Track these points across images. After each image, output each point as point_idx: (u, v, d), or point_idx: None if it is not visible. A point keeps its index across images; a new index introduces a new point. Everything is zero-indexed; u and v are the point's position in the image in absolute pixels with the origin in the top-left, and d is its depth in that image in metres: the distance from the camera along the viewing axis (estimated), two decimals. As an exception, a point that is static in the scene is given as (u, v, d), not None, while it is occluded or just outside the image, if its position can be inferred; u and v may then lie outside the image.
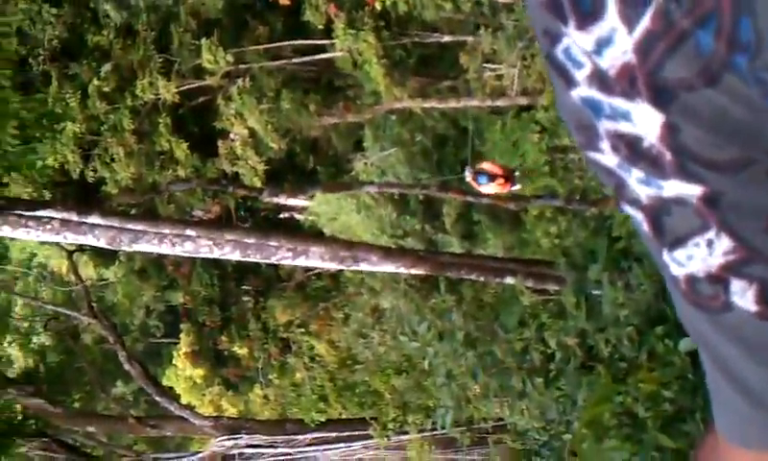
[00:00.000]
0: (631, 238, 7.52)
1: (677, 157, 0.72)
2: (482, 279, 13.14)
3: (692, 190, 0.73)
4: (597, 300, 7.43)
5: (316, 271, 19.51)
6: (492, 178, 13.92)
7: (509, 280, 11.99)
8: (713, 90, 0.68)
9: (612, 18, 0.69)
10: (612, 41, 0.70)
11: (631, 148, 0.74)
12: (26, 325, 21.38)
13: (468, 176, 14.11)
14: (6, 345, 20.62)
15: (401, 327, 12.65)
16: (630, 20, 0.68)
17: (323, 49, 16.91)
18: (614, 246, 7.56)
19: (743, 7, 0.65)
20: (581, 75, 0.73)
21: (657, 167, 0.74)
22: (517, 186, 14.57)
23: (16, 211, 11.65)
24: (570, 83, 0.74)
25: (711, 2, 0.66)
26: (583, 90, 0.73)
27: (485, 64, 15.66)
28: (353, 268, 14.33)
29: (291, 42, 17.00)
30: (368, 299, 19.10)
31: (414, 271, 13.05)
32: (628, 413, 6.38)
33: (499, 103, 16.03)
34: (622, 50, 0.70)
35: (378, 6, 15.14)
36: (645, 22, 0.68)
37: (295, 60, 17.15)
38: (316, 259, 12.91)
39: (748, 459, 0.82)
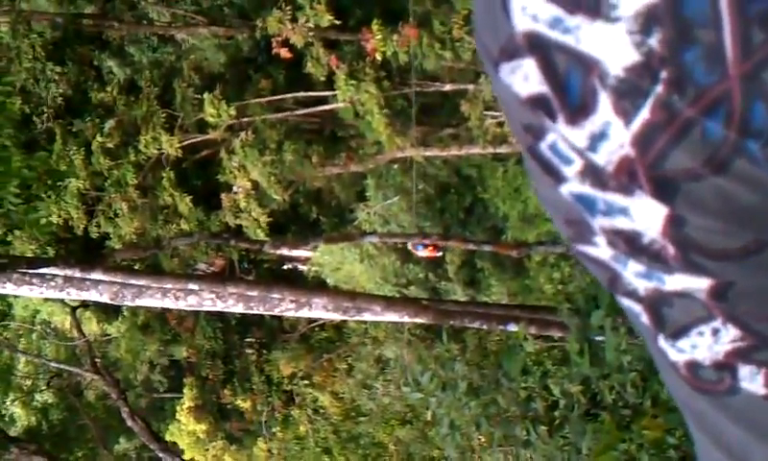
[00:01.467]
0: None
1: (681, 251, 0.69)
2: (485, 327, 13.10)
3: (698, 284, 0.70)
4: (600, 346, 7.40)
5: (319, 322, 19.47)
6: (425, 246, 16.39)
7: (512, 328, 11.96)
8: (722, 178, 0.65)
9: (605, 112, 0.65)
10: (608, 136, 0.66)
11: (630, 244, 0.71)
12: (29, 382, 21.32)
13: (410, 244, 16.74)
14: (8, 403, 20.55)
15: (405, 378, 12.62)
16: (626, 113, 0.65)
17: (324, 100, 16.99)
18: (617, 292, 7.53)
19: (755, 92, 0.62)
20: (570, 171, 0.70)
21: (659, 262, 0.71)
22: (440, 253, 17.15)
23: (19, 269, 11.68)
24: (558, 179, 0.70)
25: (718, 91, 0.62)
26: (574, 186, 0.70)
27: (486, 112, 15.72)
28: (357, 318, 14.31)
29: (293, 94, 17.09)
30: (371, 349, 19.06)
31: (417, 320, 13.04)
32: (632, 460, 6.33)
33: (501, 150, 16.07)
34: (619, 144, 0.66)
35: (379, 57, 15.23)
36: (644, 114, 0.64)
37: (297, 112, 17.25)
38: (319, 310, 12.92)
39: None
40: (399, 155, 16.64)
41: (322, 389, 20.93)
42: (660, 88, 0.63)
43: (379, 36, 15.05)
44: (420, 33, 14.99)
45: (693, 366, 0.74)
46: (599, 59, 0.64)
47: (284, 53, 15.99)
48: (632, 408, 6.79)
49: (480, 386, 8.81)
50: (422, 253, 16.68)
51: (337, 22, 15.51)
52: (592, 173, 0.69)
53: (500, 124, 15.83)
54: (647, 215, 0.69)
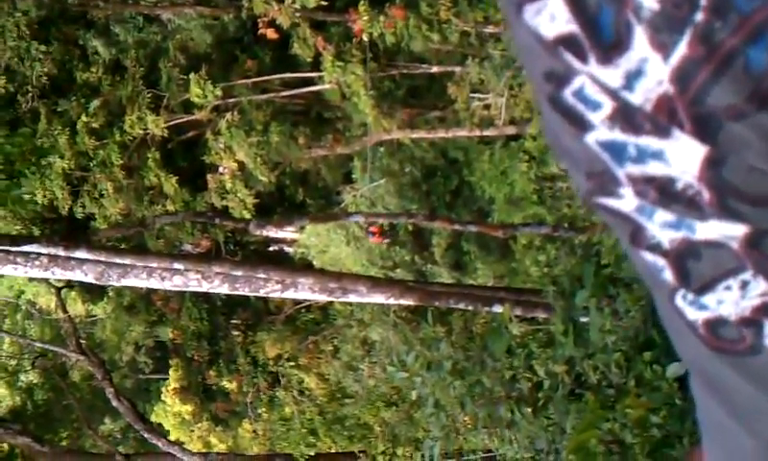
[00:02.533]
0: (618, 264, 7.52)
1: (718, 196, 0.67)
2: (471, 308, 13.08)
3: (734, 230, 0.68)
4: (585, 327, 7.42)
5: (305, 304, 19.47)
6: (373, 233, 17.54)
7: (497, 309, 11.96)
8: (766, 114, 0.62)
9: (641, 48, 0.62)
10: (645, 73, 0.63)
11: (662, 190, 0.69)
12: (13, 363, 21.25)
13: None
14: (-7, 384, 20.52)
15: (390, 359, 12.64)
16: (664, 47, 0.62)
17: (311, 82, 16.98)
18: (601, 272, 7.56)
19: None
20: (598, 116, 0.67)
21: (692, 208, 0.68)
22: (387, 240, 18.10)
23: (2, 247, 11.62)
24: (584, 126, 0.67)
25: (762, 17, 0.59)
26: (601, 133, 0.67)
27: (473, 94, 15.72)
28: (342, 299, 14.31)
29: (279, 76, 17.07)
30: (357, 331, 19.08)
31: (403, 301, 13.03)
32: (616, 439, 6.36)
33: (488, 133, 16.08)
34: (657, 80, 0.63)
35: (366, 38, 15.21)
36: (683, 47, 0.61)
37: (283, 93, 17.22)
38: (305, 291, 12.91)
39: None
40: (386, 137, 16.65)
41: (307, 371, 20.95)
42: (699, 17, 0.60)
43: (366, 18, 15.02)
44: (408, 14, 14.96)
45: (714, 324, 0.72)
46: None
47: (271, 33, 15.94)
48: (616, 388, 6.82)
49: (465, 367, 8.83)
50: (372, 239, 17.47)
51: (324, 3, 15.47)
52: (625, 116, 0.66)
53: (486, 107, 15.85)
54: (684, 157, 0.66)
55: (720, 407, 0.77)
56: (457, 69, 15.92)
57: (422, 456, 10.94)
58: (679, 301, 0.73)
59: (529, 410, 7.69)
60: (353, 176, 18.21)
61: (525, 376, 7.88)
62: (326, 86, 16.21)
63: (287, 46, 16.19)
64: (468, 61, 15.52)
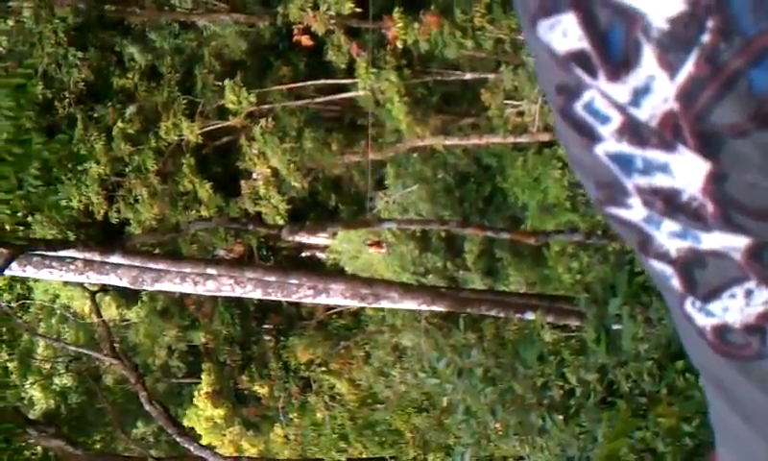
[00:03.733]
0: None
1: (721, 209, 0.68)
2: (502, 314, 13.06)
3: (736, 242, 0.70)
4: (617, 334, 7.40)
5: (337, 309, 19.51)
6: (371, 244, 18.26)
7: (529, 316, 11.93)
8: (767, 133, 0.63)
9: (649, 65, 0.64)
10: (651, 90, 0.64)
11: (667, 202, 0.70)
12: (48, 366, 21.42)
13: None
14: (28, 386, 20.65)
15: (422, 365, 12.62)
16: (671, 66, 0.63)
17: (345, 88, 17.01)
18: (634, 280, 7.53)
19: None
20: (607, 129, 0.68)
21: (697, 220, 0.70)
22: (383, 250, 18.58)
23: (38, 251, 11.75)
24: (593, 138, 0.69)
25: (766, 39, 0.60)
26: (610, 145, 0.69)
27: (506, 101, 15.70)
28: (374, 305, 14.33)
29: (313, 82, 17.12)
30: (389, 337, 19.09)
31: (434, 307, 13.04)
32: (647, 448, 6.34)
33: (521, 139, 16.05)
34: (663, 98, 0.64)
35: (400, 45, 15.22)
36: (689, 67, 0.63)
37: (317, 100, 17.29)
38: (337, 297, 12.95)
39: None
40: (419, 143, 16.65)
41: (339, 376, 20.97)
42: (706, 38, 0.62)
43: (400, 25, 15.05)
44: (442, 21, 14.97)
45: (721, 330, 0.74)
46: (643, 11, 0.62)
47: (305, 40, 16.00)
48: (648, 396, 6.80)
49: (496, 374, 8.82)
50: (371, 249, 18.04)
51: (358, 10, 15.50)
52: (632, 130, 0.68)
53: (520, 113, 15.81)
54: (688, 171, 0.68)
55: (732, 412, 0.78)
56: (491, 76, 15.90)
57: None
58: (688, 307, 0.75)
59: (560, 418, 7.67)
60: (386, 182, 18.21)
61: (557, 383, 7.87)
62: (360, 93, 16.23)
63: (321, 53, 16.24)
64: (501, 68, 15.50)
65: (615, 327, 7.51)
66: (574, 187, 15.15)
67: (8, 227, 11.64)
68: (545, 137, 15.80)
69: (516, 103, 15.78)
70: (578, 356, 8.07)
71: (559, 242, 15.20)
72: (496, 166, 16.82)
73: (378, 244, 18.00)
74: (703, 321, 0.75)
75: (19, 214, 11.50)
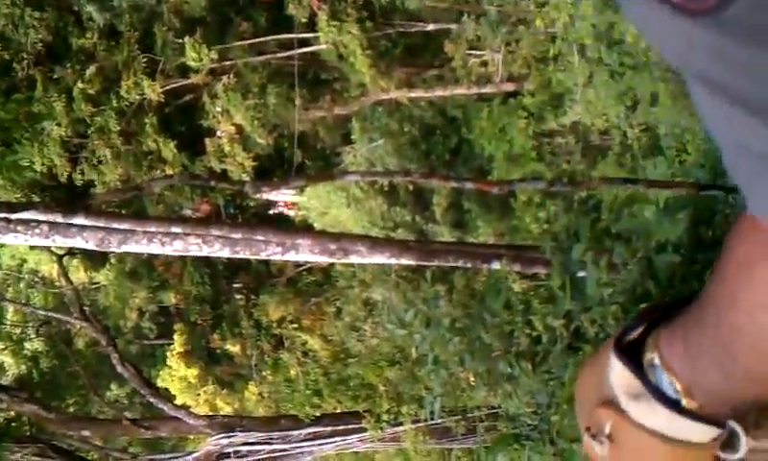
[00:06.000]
0: (616, 218, 7.51)
1: None
2: (470, 265, 13.08)
3: None
4: (582, 281, 7.43)
5: (307, 266, 19.50)
6: None
7: (496, 266, 11.96)
8: None
9: None
10: None
11: None
12: (18, 331, 21.33)
13: None
14: (-2, 353, 20.60)
15: (391, 318, 12.66)
16: None
17: (307, 42, 16.89)
18: (597, 226, 7.55)
19: None
20: None
21: None
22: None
23: (1, 215, 11.63)
24: None
25: None
26: None
27: (469, 52, 15.64)
28: (344, 261, 14.31)
29: (275, 37, 16.97)
30: (359, 292, 19.10)
31: (402, 261, 13.03)
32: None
33: (485, 90, 16.02)
34: None
35: (361, -4, 15.17)
36: None
37: (279, 55, 17.13)
38: (306, 253, 12.90)
39: None
40: (384, 97, 16.58)
41: (311, 332, 21.02)
42: None
43: (361, -25, 14.98)
44: (402, -29, 14.91)
45: None
46: None
47: (266, -5, 15.89)
48: (613, 340, 6.81)
49: (464, 324, 8.86)
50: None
51: (318, -38, 15.39)
52: None
53: (484, 63, 15.77)
54: None
55: (730, 106, 0.70)
56: (453, 26, 15.83)
57: (428, 413, 11.01)
58: None
59: (528, 365, 7.71)
60: (352, 137, 18.14)
61: (524, 331, 7.90)
62: (323, 47, 16.15)
63: (282, 7, 16.10)
64: (463, 19, 15.43)
65: (581, 274, 7.54)
66: (539, 137, 15.18)
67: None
68: (510, 87, 15.79)
69: (479, 53, 15.73)
70: (546, 305, 8.11)
71: (525, 191, 15.23)
72: (462, 118, 16.79)
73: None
74: None
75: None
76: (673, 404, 0.92)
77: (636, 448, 0.96)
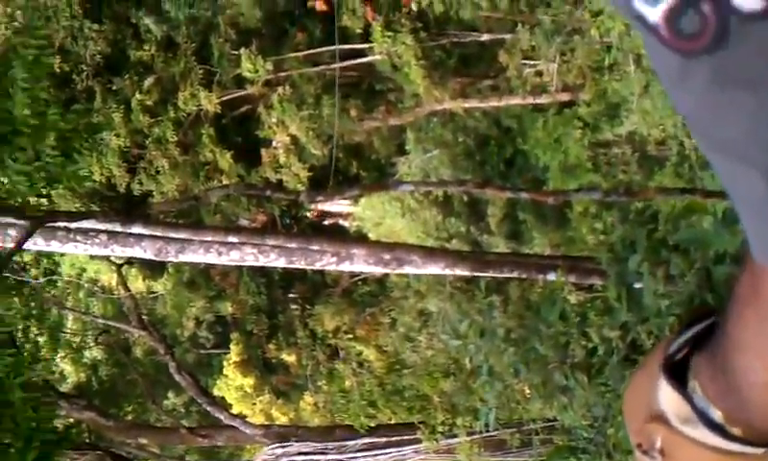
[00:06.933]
0: (674, 229, 7.43)
1: None
2: (525, 276, 13.03)
3: None
4: (639, 292, 7.36)
5: (362, 276, 19.52)
6: None
7: (552, 277, 11.88)
8: None
9: None
10: None
11: None
12: (78, 339, 21.57)
13: None
14: (59, 360, 20.82)
15: (445, 329, 12.63)
16: None
17: (362, 53, 16.93)
18: (654, 236, 7.48)
19: None
20: None
21: None
22: None
23: (58, 223, 11.81)
24: None
25: None
26: None
27: (524, 61, 15.58)
28: (398, 271, 14.32)
29: (329, 48, 17.04)
30: (414, 302, 19.06)
31: (457, 271, 13.01)
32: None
33: (540, 100, 15.93)
34: None
35: (415, 7, 15.15)
36: None
37: (334, 66, 17.20)
38: (360, 264, 12.95)
39: None
40: (438, 107, 16.56)
41: (366, 343, 21.02)
42: None
43: (414, -14, 15.00)
44: (456, -18, 14.91)
45: (671, 16, 0.64)
46: None
47: (320, 6, 15.95)
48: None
49: (519, 334, 8.81)
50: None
51: (372, -26, 15.46)
52: None
53: (539, 73, 15.69)
54: None
55: (726, 159, 0.69)
56: (507, 36, 15.78)
57: (483, 425, 10.93)
58: (637, 4, 0.65)
59: (584, 377, 7.65)
60: (407, 147, 18.13)
61: (579, 342, 7.84)
62: (377, 57, 16.17)
63: (336, 18, 16.18)
64: (518, 28, 15.38)
65: (638, 285, 7.47)
66: (595, 147, 15.06)
67: (30, 200, 11.71)
68: (565, 97, 15.69)
69: (533, 63, 15.66)
70: (603, 316, 8.03)
71: (582, 203, 15.13)
72: (517, 128, 16.70)
73: None
74: (653, 14, 0.65)
75: (39, 186, 11.55)
76: (720, 430, 0.91)
77: None
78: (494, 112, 17.03)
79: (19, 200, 11.77)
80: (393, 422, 19.80)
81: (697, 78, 0.64)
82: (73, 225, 11.95)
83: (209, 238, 12.29)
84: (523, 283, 15.02)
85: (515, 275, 12.94)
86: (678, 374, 0.95)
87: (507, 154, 17.21)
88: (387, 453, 19.00)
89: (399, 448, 18.90)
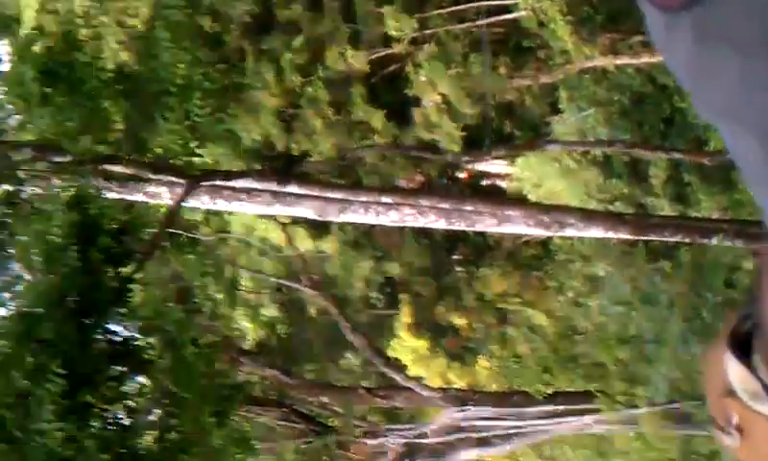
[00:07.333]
0: None
1: None
2: (687, 239, 12.51)
3: None
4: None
5: (524, 239, 19.17)
6: None
7: (715, 241, 11.38)
8: None
9: None
10: None
11: None
12: (253, 297, 22.13)
13: None
14: (237, 317, 21.47)
15: (607, 294, 12.25)
16: None
17: (506, 9, 16.57)
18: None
19: None
20: None
21: None
22: None
23: (215, 182, 12.18)
24: None
25: None
26: None
27: (677, 14, 14.80)
28: (560, 234, 14.03)
29: (474, 4, 16.73)
30: (580, 266, 18.55)
31: (616, 234, 12.64)
32: None
33: (695, 55, 15.11)
34: None
35: (560, -39, 14.71)
36: None
37: (479, 22, 16.87)
38: (520, 225, 12.78)
39: None
40: (589, 64, 15.99)
41: (534, 307, 20.65)
42: None
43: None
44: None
45: None
46: None
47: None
48: None
49: (686, 301, 8.44)
50: None
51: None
52: None
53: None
54: None
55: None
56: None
57: (658, 395, 10.52)
58: None
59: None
60: (560, 106, 17.58)
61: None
62: (522, 14, 15.78)
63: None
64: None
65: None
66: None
67: (183, 159, 12.12)
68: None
69: (687, 15, 14.85)
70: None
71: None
72: (673, 86, 15.87)
73: None
74: None
75: (191, 146, 11.93)
76: None
77: None
78: (648, 69, 16.26)
79: (182, 159, 12.25)
80: (571, 389, 19.44)
81: (679, 34, 0.71)
82: (238, 184, 12.30)
83: (364, 198, 12.40)
84: (692, 248, 14.40)
85: (678, 238, 12.45)
86: (746, 349, 0.95)
87: (665, 113, 16.38)
88: (567, 422, 18.70)
89: (579, 417, 18.55)
